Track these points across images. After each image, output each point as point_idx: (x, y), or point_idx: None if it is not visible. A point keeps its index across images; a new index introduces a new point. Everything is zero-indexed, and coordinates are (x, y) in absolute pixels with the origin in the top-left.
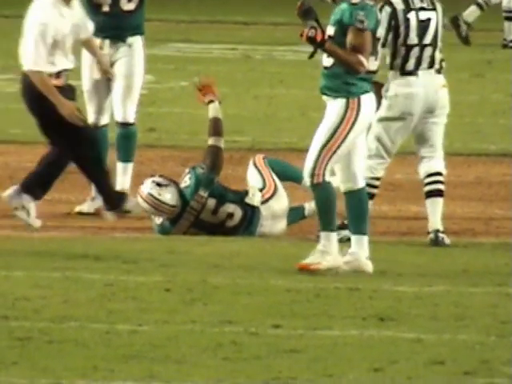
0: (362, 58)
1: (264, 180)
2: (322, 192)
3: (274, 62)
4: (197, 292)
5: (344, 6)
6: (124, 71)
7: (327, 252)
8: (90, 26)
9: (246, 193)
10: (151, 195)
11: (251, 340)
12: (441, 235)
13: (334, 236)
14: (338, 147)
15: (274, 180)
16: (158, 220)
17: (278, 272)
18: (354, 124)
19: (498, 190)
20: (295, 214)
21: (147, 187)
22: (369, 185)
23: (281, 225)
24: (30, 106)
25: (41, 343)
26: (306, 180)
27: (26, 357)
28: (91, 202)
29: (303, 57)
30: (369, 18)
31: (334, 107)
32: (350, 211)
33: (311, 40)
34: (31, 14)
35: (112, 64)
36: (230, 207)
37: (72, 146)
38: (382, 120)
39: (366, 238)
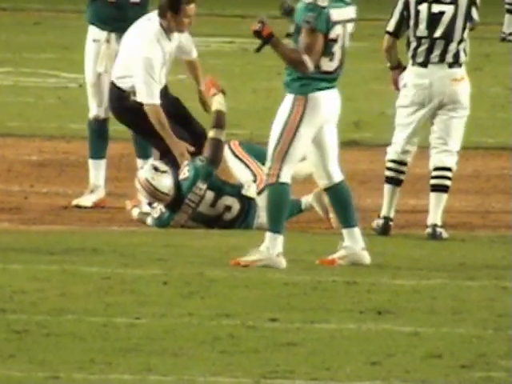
0: (305, 58)
1: (252, 170)
2: (273, 193)
3: (271, 55)
4: (194, 285)
5: (300, 5)
6: None
7: (267, 252)
8: (194, 51)
9: (241, 186)
10: (146, 180)
11: (248, 333)
12: (439, 230)
13: (280, 238)
14: (290, 146)
15: (260, 169)
16: (156, 213)
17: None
18: (301, 121)
19: (496, 183)
20: (292, 208)
21: (145, 171)
22: (397, 171)
23: None
24: (120, 119)
25: (38, 336)
26: (264, 179)
27: (23, 350)
28: (89, 195)
29: None
30: (319, 19)
31: (284, 103)
32: (334, 206)
33: (257, 34)
34: (135, 44)
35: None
36: (228, 200)
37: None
38: (397, 108)
39: (356, 230)
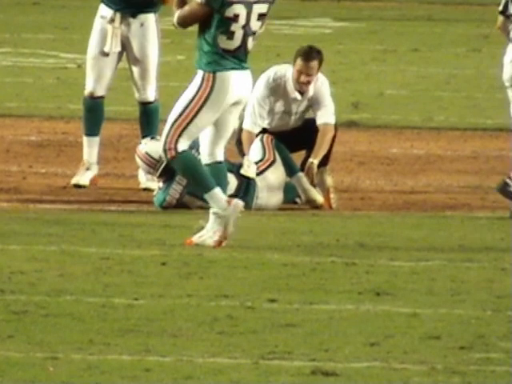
0: (177, 12)
1: (264, 152)
2: (180, 163)
3: (270, 36)
4: (193, 266)
5: None
6: (138, 55)
7: (218, 213)
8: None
9: (241, 165)
10: (144, 151)
11: (247, 314)
12: None
13: (216, 190)
14: (190, 122)
15: (274, 154)
16: (155, 192)
17: (275, 246)
18: (207, 99)
19: (495, 164)
20: (293, 192)
21: (143, 144)
22: None
23: (277, 197)
24: None
25: (37, 317)
26: (162, 155)
27: (21, 330)
28: (85, 172)
29: (300, 30)
30: None
31: (194, 79)
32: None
33: None
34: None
35: (124, 40)
36: None
37: None
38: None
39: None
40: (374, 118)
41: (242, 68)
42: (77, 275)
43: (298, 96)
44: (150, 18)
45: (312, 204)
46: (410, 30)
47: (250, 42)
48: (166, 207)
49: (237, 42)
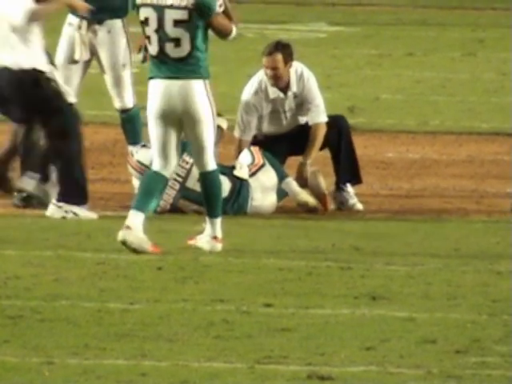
0: None
1: (253, 157)
2: (144, 178)
3: (265, 40)
4: (188, 270)
5: None
6: (109, 62)
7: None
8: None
9: (233, 167)
10: (136, 159)
11: (243, 319)
12: None
13: (137, 214)
14: (150, 132)
15: (262, 158)
16: None
17: (270, 250)
18: (148, 108)
19: (490, 168)
20: (283, 190)
21: (134, 152)
22: None
23: (271, 199)
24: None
25: (32, 321)
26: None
27: (17, 335)
28: None
29: (295, 35)
30: None
31: None
32: (202, 193)
33: None
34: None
35: (92, 48)
36: None
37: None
38: None
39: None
40: (369, 122)
41: (172, 77)
42: (72, 280)
43: (281, 94)
44: (117, 24)
45: (304, 207)
46: (405, 34)
47: (171, 49)
48: (160, 212)
49: (154, 47)
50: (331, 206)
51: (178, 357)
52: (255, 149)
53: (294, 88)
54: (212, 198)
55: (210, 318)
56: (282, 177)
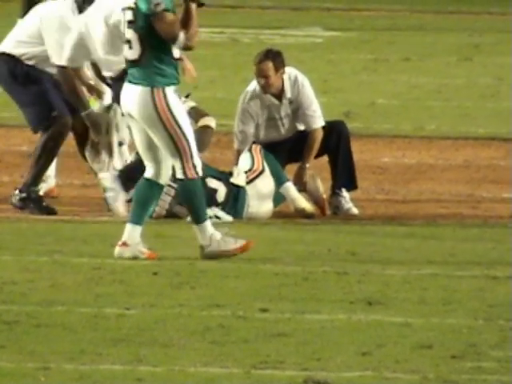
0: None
1: (253, 162)
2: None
3: (261, 45)
4: (184, 275)
5: None
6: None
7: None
8: None
9: (230, 173)
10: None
11: (239, 323)
12: None
13: (134, 228)
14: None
15: (262, 163)
16: None
17: (266, 256)
18: None
19: (486, 173)
20: (281, 196)
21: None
22: None
23: (267, 206)
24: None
25: (28, 327)
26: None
27: (13, 340)
28: (43, 183)
29: (291, 40)
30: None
31: None
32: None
33: None
34: None
35: None
36: (213, 182)
37: None
38: None
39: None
40: (365, 127)
41: (129, 81)
42: (68, 285)
43: (276, 101)
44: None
45: (301, 213)
46: (402, 39)
47: (126, 51)
48: (155, 218)
49: (122, 51)
50: (328, 211)
51: (174, 362)
52: (256, 150)
53: (288, 94)
54: (188, 205)
55: (206, 323)
56: (281, 181)
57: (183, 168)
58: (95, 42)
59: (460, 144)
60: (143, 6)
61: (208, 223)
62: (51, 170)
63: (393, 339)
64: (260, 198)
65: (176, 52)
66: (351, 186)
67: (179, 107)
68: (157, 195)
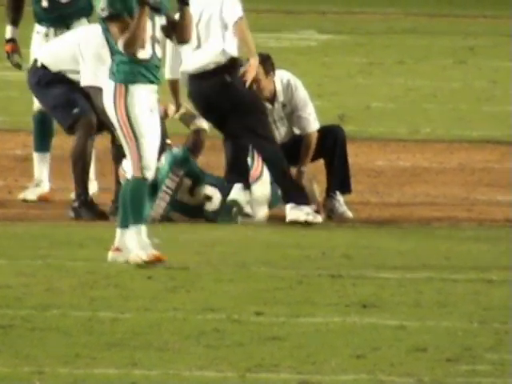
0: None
1: (252, 164)
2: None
3: (256, 48)
4: (179, 279)
5: None
6: None
7: (145, 244)
8: None
9: (225, 184)
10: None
11: (234, 327)
12: None
13: (129, 232)
14: None
15: (262, 166)
16: None
17: (261, 259)
18: None
19: (481, 176)
20: (277, 198)
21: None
22: None
23: (263, 211)
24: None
25: (23, 331)
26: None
27: (8, 345)
28: (34, 188)
29: (285, 43)
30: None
31: None
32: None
33: None
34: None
35: None
36: (208, 189)
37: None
38: None
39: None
40: (360, 130)
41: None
42: (63, 289)
43: (268, 105)
44: (84, 23)
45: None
46: (396, 42)
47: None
48: (150, 223)
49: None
50: (322, 214)
51: (169, 366)
52: (258, 156)
53: (281, 98)
54: (121, 204)
55: (200, 326)
56: (274, 203)
57: (131, 166)
58: None
59: (455, 147)
60: (100, 7)
61: (143, 228)
62: (45, 174)
63: (388, 342)
64: (256, 204)
65: (143, 53)
66: (346, 189)
67: (141, 108)
68: (140, 193)
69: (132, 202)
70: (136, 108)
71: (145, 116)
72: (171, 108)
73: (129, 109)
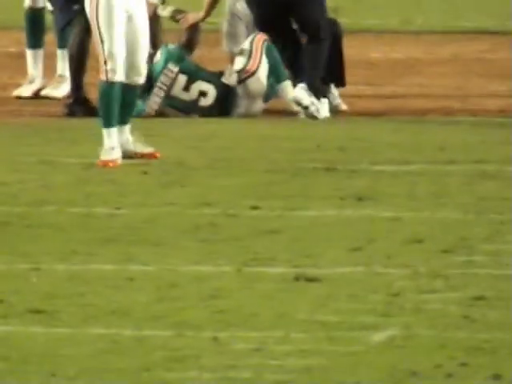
0: None
1: (248, 61)
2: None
3: None
4: (174, 174)
5: None
6: None
7: (112, 147)
8: None
9: (221, 73)
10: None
11: (229, 221)
12: None
13: (114, 131)
14: None
15: (259, 61)
16: None
17: (256, 153)
18: None
19: (474, 66)
20: (272, 91)
21: None
22: None
23: (257, 106)
24: None
25: (19, 228)
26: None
27: (4, 242)
28: (28, 85)
29: None
30: None
31: None
32: None
33: None
34: None
35: None
36: (203, 85)
37: None
38: None
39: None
40: (352, 22)
41: None
42: (58, 186)
43: None
44: None
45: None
46: None
47: None
48: (145, 117)
49: None
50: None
51: (165, 261)
52: (258, 44)
53: None
54: (99, 105)
55: (196, 221)
56: (280, 78)
57: (100, 67)
58: None
59: (447, 38)
60: None
61: (113, 130)
62: (39, 70)
63: (383, 234)
64: (250, 98)
65: None
66: (339, 83)
67: (111, 11)
68: (108, 97)
69: (100, 106)
70: (106, 11)
71: (115, 20)
72: (191, 15)
73: (99, 11)
